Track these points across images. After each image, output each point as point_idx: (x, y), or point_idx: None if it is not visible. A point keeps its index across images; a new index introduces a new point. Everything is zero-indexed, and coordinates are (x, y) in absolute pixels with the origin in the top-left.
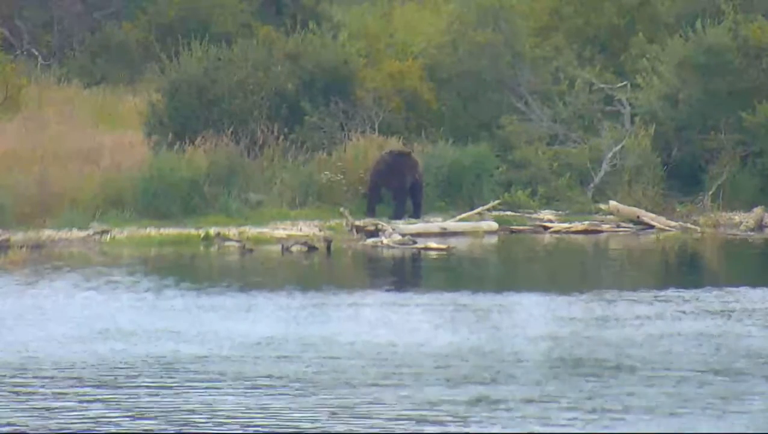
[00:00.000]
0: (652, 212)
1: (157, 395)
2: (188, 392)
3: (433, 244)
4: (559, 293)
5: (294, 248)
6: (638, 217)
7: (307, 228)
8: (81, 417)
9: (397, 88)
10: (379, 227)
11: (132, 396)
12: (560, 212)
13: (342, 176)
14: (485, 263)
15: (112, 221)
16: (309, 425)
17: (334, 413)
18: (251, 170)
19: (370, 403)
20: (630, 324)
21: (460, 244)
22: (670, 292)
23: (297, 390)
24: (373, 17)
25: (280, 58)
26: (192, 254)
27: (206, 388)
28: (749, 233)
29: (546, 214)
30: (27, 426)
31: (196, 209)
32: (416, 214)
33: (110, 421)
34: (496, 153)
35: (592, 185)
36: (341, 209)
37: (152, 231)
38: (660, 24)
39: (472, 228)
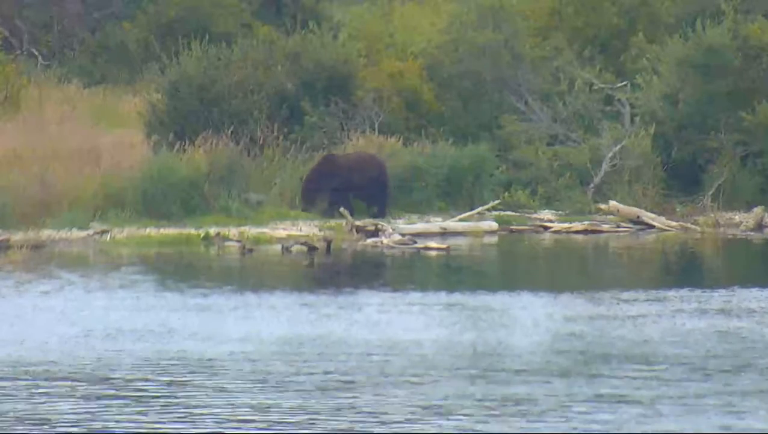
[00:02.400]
0: (652, 212)
1: (160, 394)
2: (194, 390)
3: (433, 244)
4: (559, 293)
5: (294, 248)
6: (638, 217)
7: (307, 228)
8: (81, 416)
9: (397, 88)
10: (379, 227)
11: (134, 395)
12: (560, 212)
13: None
14: (485, 263)
15: (112, 221)
16: (322, 424)
17: (343, 412)
18: (251, 170)
19: (378, 402)
20: (631, 324)
21: (460, 244)
22: (670, 292)
23: (305, 388)
24: (373, 17)
25: (280, 58)
26: (192, 254)
27: (213, 387)
28: (749, 233)
29: (546, 214)
30: (25, 425)
31: (196, 209)
32: (380, 213)
33: (111, 421)
34: (496, 153)
35: (592, 185)
36: (341, 209)
37: (152, 231)
38: (660, 24)
39: (472, 228)
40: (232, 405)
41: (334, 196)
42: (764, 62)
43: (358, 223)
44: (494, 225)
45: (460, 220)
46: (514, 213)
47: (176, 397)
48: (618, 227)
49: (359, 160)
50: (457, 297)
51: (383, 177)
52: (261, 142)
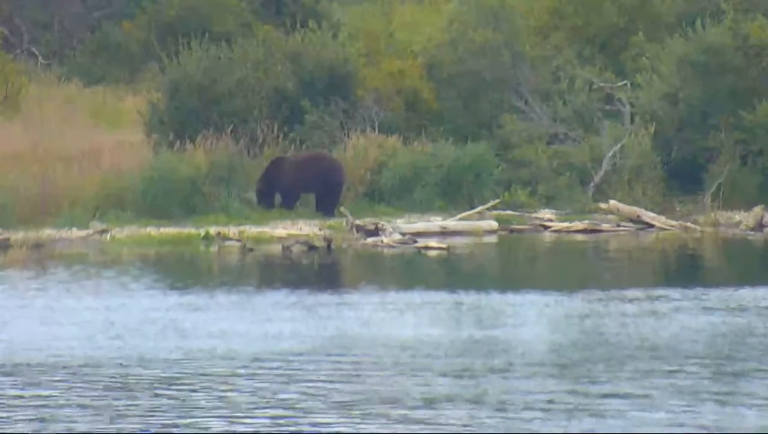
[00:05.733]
0: (652, 211)
1: (165, 394)
2: (199, 390)
3: (433, 243)
4: (559, 292)
5: (294, 248)
6: (638, 216)
7: (307, 228)
8: (82, 415)
9: (397, 87)
10: (379, 226)
11: (136, 394)
12: (560, 212)
13: None
14: (485, 263)
15: (112, 220)
16: (323, 423)
17: (343, 411)
18: (251, 169)
19: (377, 401)
20: (631, 323)
21: (460, 244)
22: (670, 291)
23: (304, 387)
24: (373, 17)
25: (280, 58)
26: (192, 254)
27: (214, 385)
28: (749, 232)
29: (546, 213)
30: (28, 423)
31: (196, 208)
32: (327, 213)
33: (111, 420)
34: (495, 152)
35: (592, 184)
36: (341, 209)
37: (152, 231)
38: (660, 23)
39: (472, 228)
40: (233, 402)
41: (287, 197)
42: (764, 62)
43: (358, 222)
44: (494, 225)
45: (460, 219)
46: (514, 213)
47: (178, 396)
48: (618, 226)
49: (310, 160)
50: (457, 297)
51: (336, 177)
52: (261, 142)
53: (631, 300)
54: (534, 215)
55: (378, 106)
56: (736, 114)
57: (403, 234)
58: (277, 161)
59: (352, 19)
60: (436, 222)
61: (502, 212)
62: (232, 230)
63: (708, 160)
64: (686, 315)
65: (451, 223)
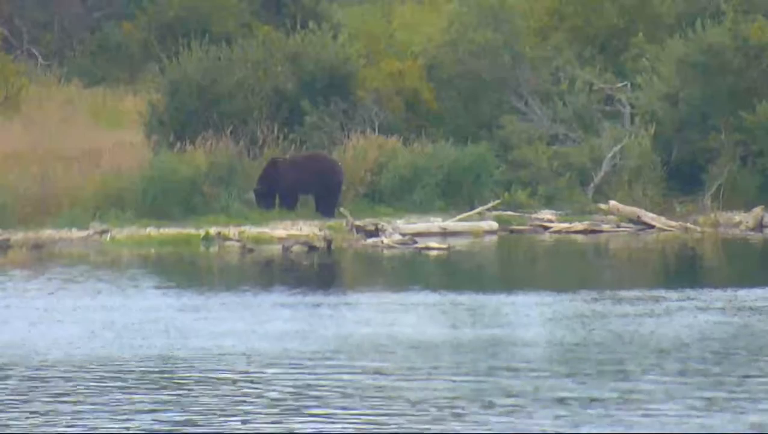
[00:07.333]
0: (652, 212)
1: (165, 393)
2: (199, 390)
3: (433, 244)
4: (559, 293)
5: (294, 248)
6: (638, 217)
7: (307, 228)
8: (84, 416)
9: (397, 88)
10: (379, 227)
11: (138, 394)
12: (560, 212)
13: None
14: (485, 263)
15: (112, 221)
16: (325, 423)
17: (344, 412)
18: (251, 170)
19: (379, 401)
20: (631, 323)
21: (460, 244)
22: (670, 291)
23: (304, 386)
24: (373, 17)
25: (280, 58)
26: (192, 255)
27: (214, 385)
28: (749, 233)
29: (546, 214)
30: (28, 424)
31: (196, 209)
32: (326, 213)
33: (112, 420)
34: (495, 153)
35: (592, 185)
36: (341, 209)
37: (152, 231)
38: (660, 24)
39: (472, 228)
40: (232, 402)
41: (286, 197)
42: (764, 62)
43: (358, 223)
44: (494, 225)
45: (460, 220)
46: (514, 213)
47: (177, 395)
48: (618, 227)
49: (307, 161)
50: (456, 297)
51: (335, 178)
52: (261, 142)
53: (631, 301)
54: (534, 215)
55: (378, 106)
56: (736, 115)
57: (403, 235)
58: (274, 161)
59: (352, 20)
60: (436, 223)
61: (502, 213)
62: (232, 231)
63: (708, 161)
64: (686, 316)
65: (451, 223)
